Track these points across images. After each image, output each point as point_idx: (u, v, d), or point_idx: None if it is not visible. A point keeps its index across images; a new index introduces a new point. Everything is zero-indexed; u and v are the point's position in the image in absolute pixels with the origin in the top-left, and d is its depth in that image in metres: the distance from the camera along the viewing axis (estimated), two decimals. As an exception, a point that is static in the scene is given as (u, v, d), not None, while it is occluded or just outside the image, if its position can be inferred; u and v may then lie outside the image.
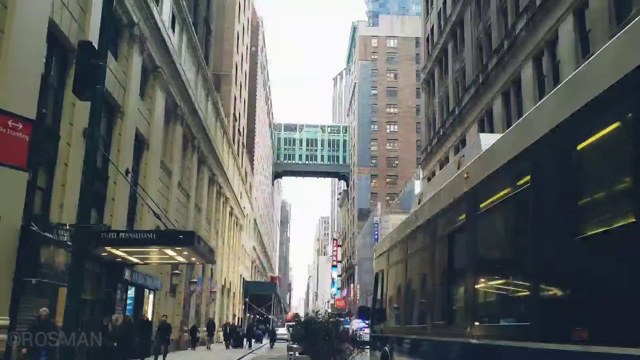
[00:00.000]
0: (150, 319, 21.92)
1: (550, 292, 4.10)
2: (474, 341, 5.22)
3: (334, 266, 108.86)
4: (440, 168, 37.04)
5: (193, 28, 30.46)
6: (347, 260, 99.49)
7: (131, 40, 20.35)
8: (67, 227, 7.87)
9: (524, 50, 23.86)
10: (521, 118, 5.10)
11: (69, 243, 7.75)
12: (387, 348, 8.43)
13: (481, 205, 5.50)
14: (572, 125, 3.72)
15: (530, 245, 4.41)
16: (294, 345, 19.05)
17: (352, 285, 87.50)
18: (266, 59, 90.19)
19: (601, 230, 3.40)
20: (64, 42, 15.43)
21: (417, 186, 64.06)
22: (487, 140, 6.29)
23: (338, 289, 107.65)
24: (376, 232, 67.34)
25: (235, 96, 51.79)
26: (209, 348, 31.03)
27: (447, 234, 6.65)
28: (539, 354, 3.94)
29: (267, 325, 67.55)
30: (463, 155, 7.32)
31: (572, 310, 3.62)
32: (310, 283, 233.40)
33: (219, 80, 46.81)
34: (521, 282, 4.66)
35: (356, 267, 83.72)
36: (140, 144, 22.31)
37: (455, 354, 5.69)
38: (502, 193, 5.07)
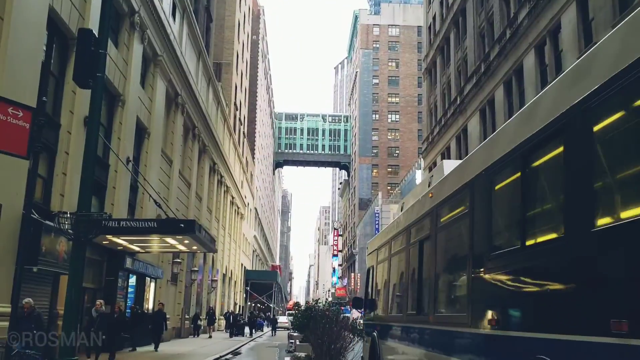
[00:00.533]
0: (143, 311, 22.00)
1: (478, 290, 5.57)
2: (433, 327, 6.81)
3: (334, 255, 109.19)
4: (442, 158, 37.00)
5: (194, 16, 30.30)
6: (348, 249, 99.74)
7: (132, 29, 20.26)
8: (68, 215, 7.87)
9: (526, 39, 23.73)
10: (464, 159, 6.90)
11: (70, 231, 7.75)
12: (375, 333, 9.76)
13: (441, 220, 7.11)
14: (487, 173, 5.59)
15: (468, 255, 5.87)
16: (295, 334, 19.16)
17: (352, 274, 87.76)
18: (267, 47, 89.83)
19: (507, 249, 5.03)
20: (64, 30, 15.36)
21: (419, 176, 64.01)
22: (448, 167, 7.75)
23: (339, 278, 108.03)
24: (377, 222, 67.42)
25: (236, 85, 51.64)
26: (210, 336, 30.95)
27: (418, 240, 8.12)
28: (471, 336, 5.55)
29: (268, 313, 67.92)
30: (432, 175, 8.73)
31: (492, 303, 5.23)
32: (311, 272, 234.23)
33: (220, 69, 46.65)
34: (463, 282, 6.12)
35: (357, 257, 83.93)
36: (141, 132, 22.28)
37: (422, 337, 7.09)
38: (453, 212, 6.68)
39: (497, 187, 5.45)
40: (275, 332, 42.67)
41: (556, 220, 4.29)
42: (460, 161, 7.37)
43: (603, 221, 3.58)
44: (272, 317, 49.66)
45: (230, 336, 33.20)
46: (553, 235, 4.34)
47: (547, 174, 4.57)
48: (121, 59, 19.53)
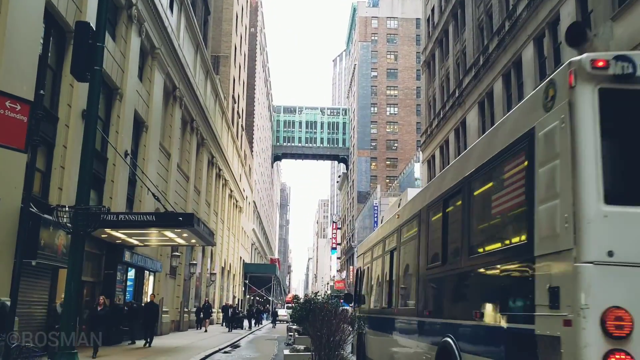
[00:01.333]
0: (140, 305, 22.01)
1: (421, 291, 7.77)
2: (397, 317, 8.89)
3: (333, 248, 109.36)
4: (441, 151, 37.00)
5: (191, 9, 30.17)
6: (347, 242, 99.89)
7: (129, 21, 20.17)
8: (67, 208, 7.87)
9: (525, 32, 23.67)
10: (415, 195, 8.95)
11: (69, 224, 7.75)
12: (362, 323, 11.65)
13: (402, 237, 9.22)
14: (423, 211, 7.90)
15: (416, 266, 8.02)
16: (294, 326, 19.22)
17: (351, 267, 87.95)
18: (265, 40, 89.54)
19: (434, 264, 7.22)
20: (62, 23, 15.29)
21: (417, 169, 64.00)
22: (411, 194, 9.54)
23: (337, 271, 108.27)
24: (375, 215, 67.49)
25: (234, 78, 51.51)
26: (206, 330, 30.20)
27: (389, 250, 10.21)
28: (417, 322, 7.73)
29: (267, 306, 68.09)
30: (401, 199, 10.54)
31: (428, 300, 7.49)
32: (310, 265, 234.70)
33: (218, 62, 46.52)
34: (413, 285, 8.17)
35: (355, 250, 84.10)
36: (139, 125, 22.24)
37: (391, 324, 8.89)
38: (409, 232, 8.77)
39: (431, 220, 7.65)
40: (275, 324, 42.85)
41: (458, 247, 6.37)
42: (419, 189, 9.54)
43: (479, 249, 5.81)
44: (272, 310, 49.51)
45: (229, 330, 32.30)
46: (454, 258, 6.45)
47: (453, 217, 6.78)
48: (119, 52, 19.45)
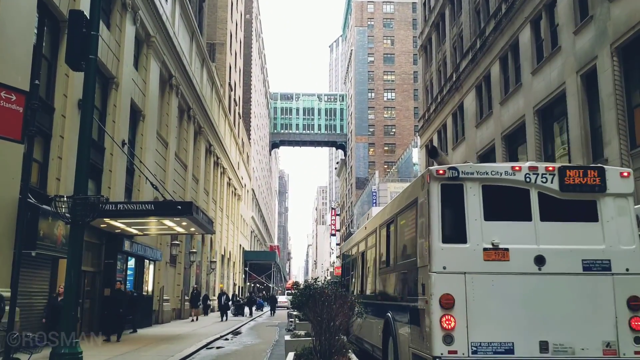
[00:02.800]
0: (140, 294, 22.02)
1: (378, 284, 10.79)
2: (366, 301, 11.08)
3: (332, 234, 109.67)
4: (438, 136, 36.96)
5: (186, -4, 29.93)
6: (346, 228, 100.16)
7: (123, 9, 20.00)
8: (65, 199, 7.86)
9: (522, 14, 23.53)
10: (373, 217, 12.49)
11: (67, 215, 7.74)
12: (362, 307, 13.64)
13: (368, 244, 12.49)
14: (378, 228, 11.14)
15: (376, 266, 11.25)
16: (294, 312, 19.33)
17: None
18: (261, 26, 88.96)
19: (382, 267, 10.50)
20: (55, 13, 15.18)
21: (415, 154, 64.01)
22: (375, 212, 12.62)
23: (337, 257, 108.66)
24: (374, 201, 67.59)
25: (230, 65, 51.25)
26: (195, 320, 27.53)
27: (360, 253, 13.75)
28: (377, 304, 10.48)
29: (268, 293, 68.40)
30: (368, 214, 16.51)
31: (382, 290, 10.46)
32: (310, 251, 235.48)
33: (214, 49, 46.25)
34: (375, 279, 11.24)
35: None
36: (136, 115, 22.16)
37: (365, 307, 10.34)
38: (371, 242, 12.08)
39: (381, 236, 10.96)
40: (274, 312, 41.17)
41: (391, 256, 9.82)
42: (379, 210, 12.43)
43: (399, 260, 9.09)
44: (271, 296, 48.50)
45: (222, 319, 29.24)
46: (390, 263, 9.82)
47: (389, 236, 10.07)
48: (113, 41, 19.33)
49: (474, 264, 7.15)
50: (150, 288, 23.88)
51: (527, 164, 7.60)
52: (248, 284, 66.20)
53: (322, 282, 10.16)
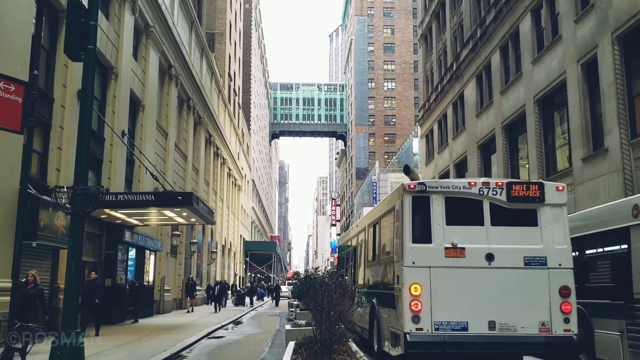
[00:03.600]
0: (142, 284, 22.00)
1: (367, 274, 12.70)
2: (359, 289, 11.34)
3: (332, 225, 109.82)
4: (439, 125, 36.89)
5: (185, -15, 29.75)
6: (346, 219, 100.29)
7: (122, -1, 19.90)
8: (65, 189, 7.86)
9: (523, 3, 23.41)
10: (363, 217, 14.94)
11: (68, 205, 7.75)
12: (362, 296, 14.35)
13: (360, 241, 14.13)
14: (366, 227, 13.31)
15: (364, 260, 13.31)
16: (295, 302, 19.40)
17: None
18: (260, 16, 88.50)
19: (370, 260, 12.56)
20: (54, 2, 15.10)
21: (415, 144, 63.90)
22: (366, 212, 17.39)
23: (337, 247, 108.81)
24: (374, 191, 67.60)
25: (229, 55, 51.06)
26: (189, 310, 27.02)
27: (352, 247, 15.73)
28: (365, 292, 12.06)
29: (269, 283, 68.59)
30: (361, 213, 18.02)
31: (368, 280, 12.54)
32: (310, 242, 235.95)
33: (213, 39, 46.07)
34: (364, 270, 13.14)
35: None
36: (135, 105, 22.11)
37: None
38: (361, 238, 13.83)
39: (368, 234, 12.84)
40: (278, 302, 38.90)
41: (375, 252, 11.78)
42: (370, 209, 14.97)
43: (381, 255, 11.19)
44: (274, 286, 45.82)
45: (216, 310, 28.19)
46: (375, 257, 11.85)
47: (374, 235, 11.96)
48: (112, 31, 19.24)
49: (437, 259, 8.92)
50: (151, 278, 23.97)
51: (481, 180, 9.45)
52: (249, 274, 66.41)
53: (323, 272, 10.21)
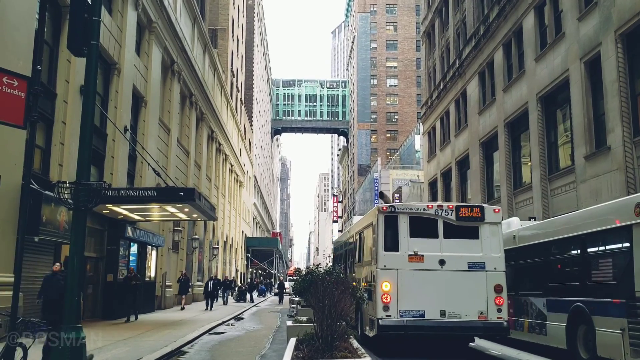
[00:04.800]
0: (137, 277, 21.86)
1: (356, 275, 14.77)
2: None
3: (334, 221, 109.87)
4: (441, 123, 36.83)
5: (187, -19, 29.69)
6: (348, 215, 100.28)
7: (124, -6, 19.87)
8: (67, 184, 7.87)
9: (526, 0, 23.35)
10: (354, 224, 19.19)
11: (70, 201, 7.76)
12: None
13: (349, 245, 16.84)
14: (354, 234, 16.04)
15: (353, 262, 15.76)
16: (296, 299, 19.44)
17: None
18: (263, 12, 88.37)
19: (357, 263, 15.13)
20: (56, -3, 15.08)
21: (417, 141, 63.83)
22: (356, 220, 24.67)
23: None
24: (376, 188, 67.55)
25: (232, 51, 51.01)
26: (182, 308, 25.59)
27: (345, 250, 17.89)
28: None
29: (271, 279, 68.67)
30: (352, 219, 22.68)
31: (355, 277, 14.77)
32: (312, 238, 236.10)
33: (216, 35, 46.02)
34: (353, 271, 15.48)
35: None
36: (138, 101, 22.12)
37: None
38: (351, 242, 16.31)
39: (356, 240, 15.16)
40: (282, 299, 36.88)
41: (359, 255, 14.85)
42: (360, 218, 18.38)
43: (364, 258, 14.10)
44: (279, 283, 43.17)
45: (207, 308, 26.05)
46: (359, 260, 14.74)
47: (359, 242, 14.81)
48: (115, 27, 19.23)
49: (402, 264, 11.62)
50: (152, 274, 24.01)
51: (436, 203, 12.21)
52: (250, 270, 66.49)
53: (324, 268, 10.21)
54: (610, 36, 16.88)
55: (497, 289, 11.49)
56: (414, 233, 11.73)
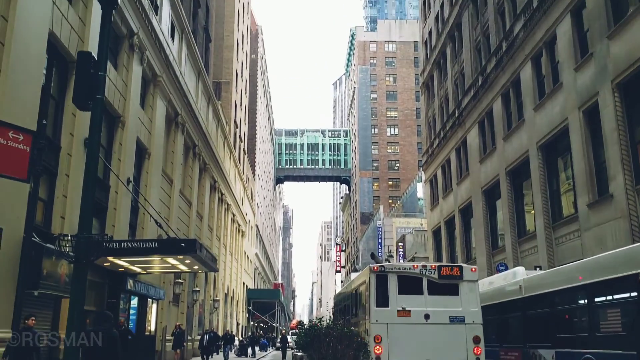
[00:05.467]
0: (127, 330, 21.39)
1: (352, 323, 16.06)
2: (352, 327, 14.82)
3: (337, 271, 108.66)
4: (442, 171, 36.98)
5: (192, 36, 30.52)
6: (351, 265, 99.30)
7: (131, 50, 20.38)
8: (69, 237, 7.85)
9: (523, 52, 23.86)
10: (351, 280, 21.04)
11: (71, 253, 7.72)
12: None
13: (347, 299, 18.11)
14: (350, 290, 17.98)
15: (351, 313, 17.10)
16: (299, 353, 18.99)
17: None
18: (266, 65, 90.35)
19: (352, 316, 16.85)
20: (64, 54, 15.46)
21: (419, 189, 63.90)
22: (354, 276, 26.30)
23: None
24: (380, 236, 67.19)
25: (235, 103, 51.87)
26: None
27: (344, 304, 18.91)
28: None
29: (273, 333, 67.27)
30: (350, 275, 22.34)
31: (353, 325, 15.84)
32: (314, 289, 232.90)
33: (220, 88, 46.91)
34: (351, 320, 16.56)
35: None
36: (141, 152, 22.31)
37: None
38: (349, 297, 17.83)
39: (352, 295, 16.87)
40: (285, 354, 34.10)
41: (353, 310, 16.62)
42: (358, 273, 19.21)
43: (358, 312, 15.74)
44: (282, 336, 41.36)
45: None
46: (353, 314, 16.31)
47: (353, 299, 16.71)
48: (120, 80, 19.62)
49: (392, 318, 13.06)
50: (152, 328, 23.56)
51: (421, 264, 13.99)
52: (252, 323, 65.26)
53: (327, 321, 10.08)
54: (607, 86, 17.15)
55: (476, 340, 12.97)
56: (402, 290, 13.30)
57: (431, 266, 13.60)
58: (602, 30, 17.63)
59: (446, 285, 13.38)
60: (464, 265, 14.25)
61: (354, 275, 31.79)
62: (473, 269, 13.81)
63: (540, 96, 22.49)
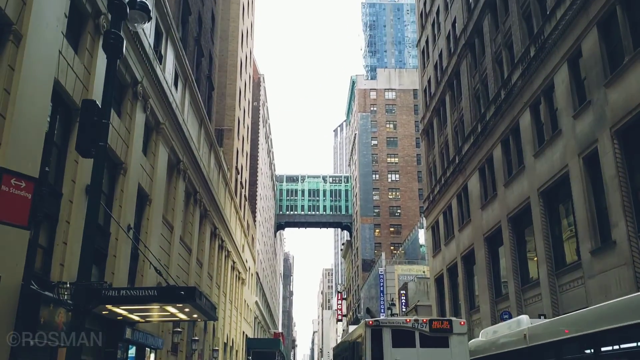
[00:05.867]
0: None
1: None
2: None
3: (339, 320, 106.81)
4: (444, 217, 36.88)
5: (195, 85, 31.05)
6: (353, 313, 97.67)
7: (134, 98, 20.68)
8: (68, 285, 7.76)
9: (521, 99, 24.19)
10: (350, 332, 25.18)
11: (69, 302, 7.61)
12: None
13: (345, 352, 19.52)
14: (349, 341, 19.32)
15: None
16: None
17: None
18: (268, 113, 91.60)
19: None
20: (68, 102, 15.68)
21: (421, 235, 63.55)
22: (352, 329, 27.08)
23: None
24: (382, 284, 66.31)
25: (237, 150, 52.29)
26: None
27: (345, 356, 19.21)
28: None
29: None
30: (349, 327, 25.58)
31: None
32: (315, 338, 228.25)
33: (222, 135, 47.39)
34: None
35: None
36: (143, 199, 22.31)
37: None
38: (346, 351, 19.28)
39: (350, 346, 17.58)
40: None
41: (349, 355, 18.27)
42: (356, 326, 19.53)
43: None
44: None
45: None
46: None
47: (351, 349, 17.50)
48: (124, 128, 19.83)
49: None
50: (150, 378, 22.95)
51: (413, 318, 14.84)
52: (252, 373, 63.68)
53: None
54: (606, 133, 17.29)
55: None
56: (396, 343, 14.22)
57: (423, 320, 14.65)
58: (599, 79, 17.92)
59: (437, 338, 14.32)
60: (453, 318, 15.23)
61: (351, 328, 38.17)
62: (462, 322, 14.87)
63: (539, 143, 22.66)
